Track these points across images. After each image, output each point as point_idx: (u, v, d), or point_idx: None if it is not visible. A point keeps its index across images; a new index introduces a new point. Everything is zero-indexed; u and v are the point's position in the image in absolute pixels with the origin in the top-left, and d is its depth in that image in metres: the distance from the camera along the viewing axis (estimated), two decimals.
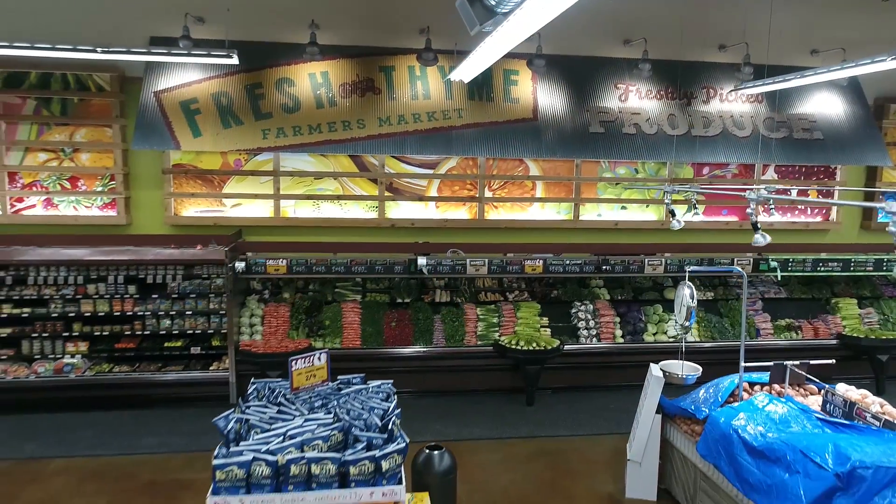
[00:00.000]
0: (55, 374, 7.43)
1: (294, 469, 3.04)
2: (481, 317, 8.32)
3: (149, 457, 6.43)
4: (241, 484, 3.03)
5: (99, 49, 5.71)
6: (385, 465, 3.12)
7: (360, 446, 3.20)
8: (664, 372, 5.49)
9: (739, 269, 5.74)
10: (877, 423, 4.29)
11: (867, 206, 6.75)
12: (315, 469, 3.06)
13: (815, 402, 5.10)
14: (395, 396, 3.91)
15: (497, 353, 7.97)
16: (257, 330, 7.91)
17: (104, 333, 7.70)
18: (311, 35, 7.58)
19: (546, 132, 8.37)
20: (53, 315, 7.57)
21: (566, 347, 8.07)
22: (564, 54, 8.41)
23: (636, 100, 8.62)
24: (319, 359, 3.84)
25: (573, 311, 8.58)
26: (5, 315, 7.45)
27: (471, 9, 4.16)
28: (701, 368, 5.47)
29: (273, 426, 3.39)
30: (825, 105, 8.97)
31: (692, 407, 5.38)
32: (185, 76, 7.69)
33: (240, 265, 7.65)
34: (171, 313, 7.74)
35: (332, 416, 3.49)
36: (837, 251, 9.04)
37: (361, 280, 8.51)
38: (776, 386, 5.30)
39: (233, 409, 3.55)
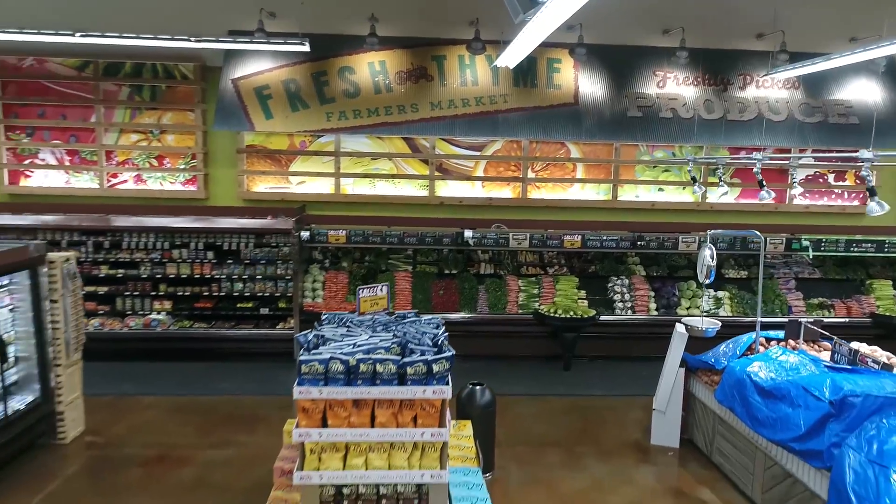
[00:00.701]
0: (144, 328, 8.45)
1: (363, 367, 3.78)
2: (522, 288, 8.96)
3: (226, 397, 7.34)
4: (321, 377, 3.79)
5: (192, 38, 6.63)
6: (436, 367, 3.82)
7: (415, 355, 3.91)
8: (686, 326, 6.03)
9: (757, 232, 6.17)
10: (876, 366, 4.75)
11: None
12: (379, 368, 3.79)
13: (827, 356, 5.55)
14: (444, 327, 4.61)
15: (536, 321, 8.60)
16: (318, 294, 8.76)
17: (185, 294, 8.69)
18: (371, 27, 8.36)
19: (586, 116, 8.93)
20: (143, 276, 8.60)
21: (602, 318, 8.63)
22: (605, 43, 8.93)
23: (673, 86, 9.09)
24: (382, 290, 4.59)
25: (609, 285, 9.14)
26: (103, 275, 8.52)
27: (518, 2, 4.85)
28: (720, 324, 6.00)
29: (343, 340, 4.14)
30: (862, 91, 9.22)
31: (712, 360, 5.91)
32: (259, 65, 8.60)
33: (305, 234, 8.51)
34: (243, 277, 8.67)
35: (391, 334, 4.22)
36: (873, 233, 9.29)
37: (412, 252, 9.26)
38: (791, 341, 5.78)
39: (310, 330, 4.32)
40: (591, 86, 8.99)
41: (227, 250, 8.72)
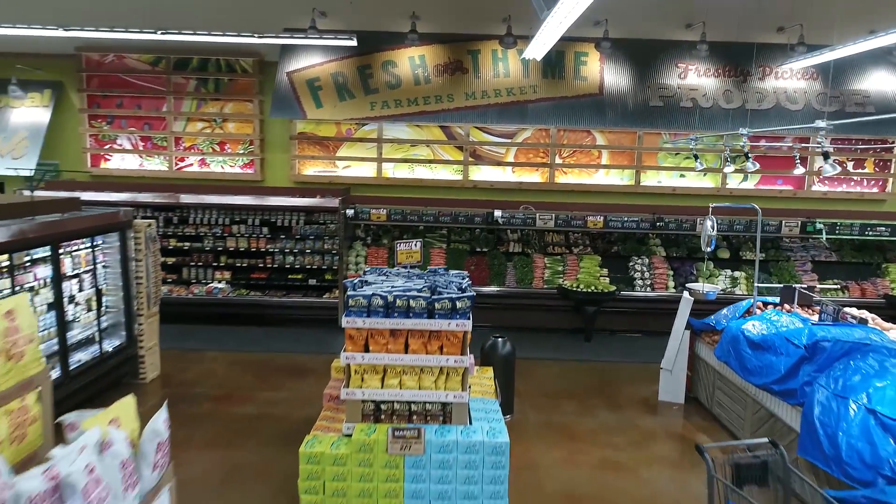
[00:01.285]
0: (206, 295, 9.47)
1: (399, 302, 4.59)
2: (548, 265, 9.66)
3: (278, 354, 8.27)
4: (364, 310, 4.61)
5: (255, 35, 7.55)
6: (459, 304, 4.61)
7: (442, 296, 4.70)
8: (690, 291, 6.66)
9: (755, 205, 6.73)
10: (854, 321, 5.32)
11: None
12: (412, 303, 4.59)
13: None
14: (469, 279, 5.38)
15: (560, 296, 9.29)
16: (361, 268, 9.64)
17: (243, 265, 9.68)
18: (412, 24, 9.18)
19: (610, 106, 9.57)
20: (206, 249, 9.63)
21: (622, 294, 9.27)
22: (630, 37, 9.55)
23: (694, 77, 9.64)
24: (416, 245, 5.39)
25: (630, 264, 9.75)
26: (171, 247, 9.58)
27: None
28: (720, 288, 6.62)
29: (383, 284, 4.96)
30: (880, 81, 9.59)
31: (713, 321, 6.54)
32: (311, 59, 9.52)
33: (349, 212, 9.40)
34: (293, 251, 9.61)
35: (423, 281, 5.02)
36: (891, 219, 9.65)
37: (446, 231, 10.05)
38: (786, 305, 6.35)
39: (356, 277, 5.15)
40: (615, 77, 9.62)
41: (280, 226, 9.68)
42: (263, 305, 9.47)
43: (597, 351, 8.84)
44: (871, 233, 9.41)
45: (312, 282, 9.64)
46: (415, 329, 4.68)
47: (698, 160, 8.76)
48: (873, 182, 10.31)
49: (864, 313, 5.92)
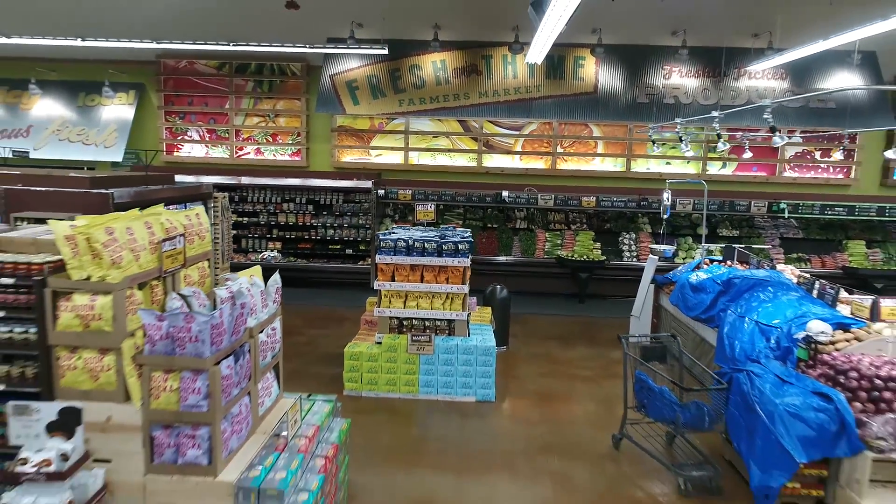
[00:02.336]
0: (261, 262, 11.37)
1: (416, 244, 6.34)
2: (548, 239, 11.31)
3: (321, 307, 10.10)
4: (391, 250, 6.38)
5: (307, 45, 9.38)
6: (460, 246, 6.34)
7: (447, 240, 6.43)
8: (653, 251, 8.26)
9: (703, 181, 8.29)
10: (768, 266, 6.89)
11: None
12: (426, 245, 6.34)
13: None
14: (470, 235, 7.09)
15: (558, 264, 10.94)
16: None
17: (291, 237, 11.55)
18: (434, 34, 10.90)
19: (604, 103, 11.16)
20: (261, 223, 11.53)
21: (612, 263, 10.87)
22: (621, 43, 11.12)
23: (677, 78, 11.18)
24: (430, 207, 7.14)
25: (620, 238, 11.34)
26: (233, 222, 11.48)
27: (535, 14, 7.26)
28: (675, 247, 8.19)
29: (406, 234, 6.71)
30: (840, 81, 10.99)
31: (671, 276, 8.13)
32: (349, 64, 11.31)
33: (380, 192, 11.19)
34: (333, 226, 11.44)
35: (436, 233, 6.77)
36: (852, 201, 11.05)
37: (463, 210, 11.77)
38: (728, 262, 7.92)
39: (387, 229, 6.92)
40: (608, 78, 11.21)
41: (322, 205, 11.52)
42: (308, 270, 11.31)
43: (587, 309, 10.47)
44: (829, 212, 10.83)
45: (349, 251, 11.46)
46: (428, 265, 6.43)
47: (683, 142, 10.22)
48: (838, 170, 11.70)
49: (789, 267, 7.46)
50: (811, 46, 8.53)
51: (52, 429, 2.95)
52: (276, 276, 4.14)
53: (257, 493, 3.15)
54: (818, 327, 4.91)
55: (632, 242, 11.20)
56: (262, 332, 3.82)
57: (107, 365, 3.13)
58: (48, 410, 2.94)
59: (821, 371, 4.70)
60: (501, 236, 11.40)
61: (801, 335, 4.98)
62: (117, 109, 11.87)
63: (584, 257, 10.72)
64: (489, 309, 7.79)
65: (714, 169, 11.69)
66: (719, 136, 9.19)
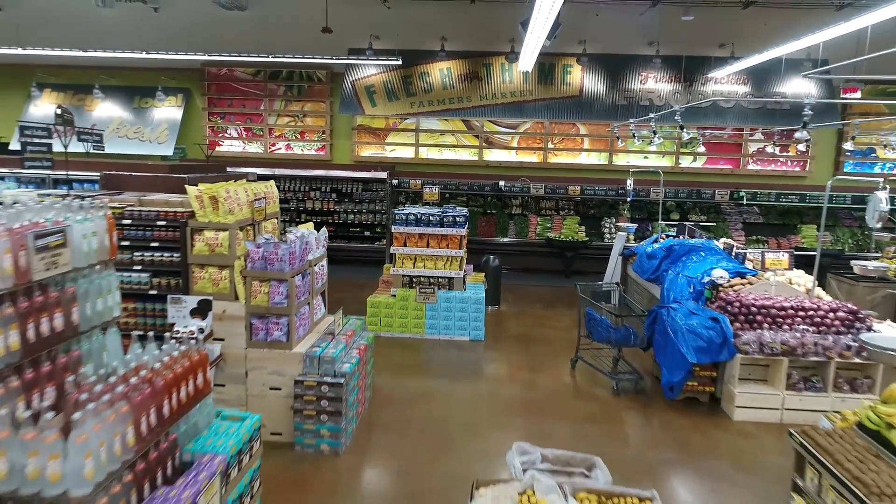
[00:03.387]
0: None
1: (423, 217, 8.12)
2: (540, 223, 13.03)
3: (345, 279, 11.89)
4: (404, 222, 8.16)
5: (335, 57, 11.18)
6: (458, 219, 8.11)
7: (448, 214, 8.20)
8: (619, 228, 9.97)
9: (659, 170, 9.99)
10: (706, 236, 8.58)
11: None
12: (431, 218, 8.12)
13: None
14: (466, 211, 8.83)
15: (548, 244, 12.66)
16: None
17: (318, 221, 13.33)
18: (441, 45, 12.65)
19: (588, 105, 12.85)
20: (291, 209, 13.35)
21: (594, 243, 12.58)
22: (603, 53, 12.81)
23: (652, 83, 12.85)
24: (435, 189, 8.91)
25: (602, 222, 13.04)
26: None
27: (523, 30, 8.99)
28: (636, 225, 9.91)
29: (415, 209, 8.48)
30: (795, 85, 12.62)
31: (634, 248, 9.83)
32: (368, 71, 13.09)
33: (394, 182, 12.97)
34: (354, 211, 13.23)
35: (439, 210, 8.54)
36: (807, 190, 12.67)
37: (466, 198, 13.51)
38: (680, 236, 9.61)
39: (402, 206, 8.69)
40: (592, 83, 12.91)
41: (344, 193, 13.32)
42: (332, 249, 12.94)
43: (571, 283, 12.18)
44: (784, 200, 12.46)
45: (367, 233, 13.25)
46: (432, 234, 8.20)
47: (657, 135, 11.86)
48: (794, 163, 13.33)
49: (729, 240, 9.14)
50: (761, 55, 10.18)
51: (193, 313, 4.75)
52: (324, 230, 5.92)
53: (318, 359, 4.93)
54: (718, 274, 6.63)
55: (612, 226, 12.89)
56: (316, 265, 5.61)
57: (224, 276, 4.93)
58: (191, 301, 4.74)
59: (717, 304, 6.42)
60: (499, 220, 13.15)
61: (706, 280, 6.70)
62: (167, 111, 13.74)
63: (570, 238, 12.43)
64: (483, 274, 9.54)
65: (686, 162, 13.36)
66: (682, 128, 10.85)
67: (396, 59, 11.46)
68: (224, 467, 3.06)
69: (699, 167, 13.46)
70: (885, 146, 13.00)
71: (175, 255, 4.99)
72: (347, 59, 12.03)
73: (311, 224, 6.00)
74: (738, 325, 6.08)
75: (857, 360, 5.84)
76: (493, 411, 5.95)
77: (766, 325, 6.03)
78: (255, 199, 5.33)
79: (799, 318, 6.04)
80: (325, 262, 5.98)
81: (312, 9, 12.13)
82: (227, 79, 13.79)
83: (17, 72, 13.82)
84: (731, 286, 6.63)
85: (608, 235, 12.88)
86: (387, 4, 12.19)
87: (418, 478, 4.68)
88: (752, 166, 13.39)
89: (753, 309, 6.10)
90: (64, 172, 8.33)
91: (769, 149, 12.83)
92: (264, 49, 11.76)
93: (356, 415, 5.35)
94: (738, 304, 6.18)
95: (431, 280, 8.27)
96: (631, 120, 12.02)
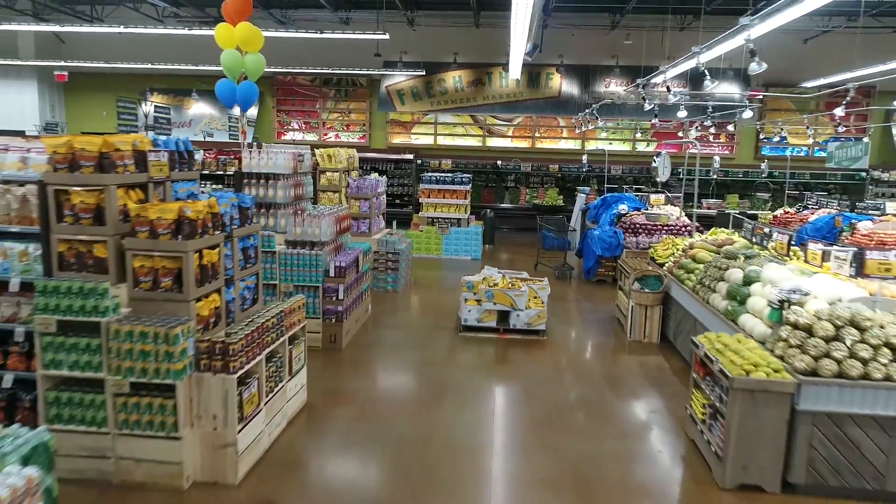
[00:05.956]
0: None
1: (440, 178, 12.37)
2: (528, 193, 17.20)
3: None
4: (428, 181, 12.42)
5: (373, 69, 15.45)
6: (463, 180, 12.36)
7: (458, 177, 12.42)
8: (578, 190, 14.13)
9: (605, 150, 14.10)
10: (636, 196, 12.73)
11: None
12: (445, 178, 12.36)
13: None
14: (469, 178, 13.03)
15: (534, 209, 16.82)
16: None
17: None
18: (454, 58, 16.84)
19: (565, 104, 16.99)
20: None
21: (569, 208, 16.72)
22: (577, 64, 16.90)
23: (614, 86, 16.94)
24: (449, 161, 13.14)
25: (575, 193, 17.18)
26: None
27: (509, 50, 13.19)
28: (590, 188, 14.07)
29: (434, 175, 12.71)
30: (723, 87, 16.65)
31: (590, 205, 13.97)
32: (398, 79, 17.32)
33: (419, 162, 17.20)
34: (388, 185, 17.47)
35: (450, 174, 12.80)
36: (733, 168, 16.70)
37: (472, 174, 17.68)
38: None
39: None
40: (568, 87, 17.03)
41: (381, 170, 17.56)
42: None
43: None
44: (714, 175, 16.50)
45: (397, 201, 17.48)
46: (447, 189, 12.43)
47: (619, 126, 16.00)
48: (726, 147, 17.37)
49: (678, 210, 13.27)
50: (684, 65, 14.28)
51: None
52: (384, 177, 10.16)
53: (385, 241, 9.16)
54: (622, 208, 10.78)
55: (584, 195, 17.01)
56: (377, 198, 9.88)
57: (336, 198, 9.19)
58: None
59: (619, 225, 10.58)
60: (497, 191, 17.34)
61: (615, 212, 10.86)
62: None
63: (551, 204, 16.59)
64: (481, 222, 13.75)
65: (641, 147, 17.45)
66: (638, 126, 14.99)
67: (420, 70, 15.67)
68: (363, 252, 7.31)
69: (651, 150, 17.53)
70: (777, 133, 16.97)
71: (310, 187, 9.25)
72: (383, 70, 16.27)
73: (375, 174, 10.23)
74: (627, 234, 10.23)
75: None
76: None
77: (642, 234, 10.17)
78: (348, 157, 9.58)
79: (665, 231, 10.18)
80: (384, 196, 10.23)
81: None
82: (290, 84, 18.09)
83: (132, 80, 18.26)
84: (631, 216, 10.77)
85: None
86: (413, 28, 16.38)
87: (436, 299, 8.92)
88: (692, 150, 17.42)
89: (637, 226, 10.25)
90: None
91: (691, 133, 16.87)
92: (322, 64, 16.04)
93: (404, 278, 9.59)
94: (629, 223, 10.34)
95: (446, 220, 12.50)
96: (584, 113, 16.13)
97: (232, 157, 7.79)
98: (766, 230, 6.35)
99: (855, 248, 5.30)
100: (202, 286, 3.98)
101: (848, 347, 3.82)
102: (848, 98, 11.80)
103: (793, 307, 4.26)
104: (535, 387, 5.88)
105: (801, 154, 17.42)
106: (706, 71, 8.66)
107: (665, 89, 12.38)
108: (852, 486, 3.89)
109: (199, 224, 3.93)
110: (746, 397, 3.88)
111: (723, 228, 8.88)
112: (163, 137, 4.67)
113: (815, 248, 5.62)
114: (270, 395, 4.41)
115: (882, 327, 3.90)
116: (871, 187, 16.81)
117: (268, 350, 4.34)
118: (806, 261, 5.64)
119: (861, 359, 3.79)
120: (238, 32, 6.57)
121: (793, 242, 6.08)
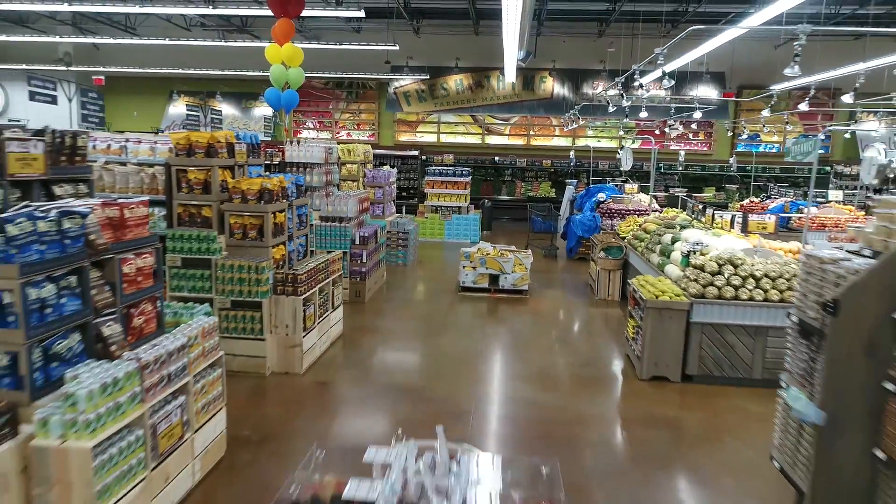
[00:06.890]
0: None
1: (443, 171, 14.06)
2: (523, 186, 18.88)
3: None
4: (432, 173, 14.11)
5: (381, 74, 17.13)
6: (464, 172, 14.04)
7: (458, 169, 14.11)
8: (567, 182, 15.81)
9: (590, 147, 15.76)
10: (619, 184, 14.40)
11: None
12: (448, 171, 14.06)
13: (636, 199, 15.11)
14: (469, 171, 14.70)
15: (528, 200, 18.49)
16: None
17: None
18: (456, 63, 18.50)
19: (557, 105, 18.64)
20: None
21: (560, 199, 18.39)
22: (568, 68, 18.56)
23: (602, 89, 18.59)
24: (451, 157, 14.82)
25: (567, 186, 18.84)
26: None
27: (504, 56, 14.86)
28: (577, 180, 15.76)
29: (437, 168, 14.40)
30: (701, 90, 18.29)
31: (577, 195, 15.65)
32: (405, 82, 18.99)
33: (423, 158, 18.88)
34: (397, 177, 19.14)
35: (452, 167, 14.49)
36: (709, 163, 18.34)
37: (472, 169, 19.37)
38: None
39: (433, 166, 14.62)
40: (560, 89, 18.69)
41: (389, 165, 19.23)
42: None
43: None
44: (691, 170, 18.15)
45: (404, 193, 19.16)
46: (448, 181, 14.11)
47: (606, 126, 17.66)
48: (704, 144, 19.01)
49: (649, 200, 14.92)
50: (654, 73, 15.95)
51: None
52: (395, 170, 11.87)
53: (396, 222, 10.85)
54: (601, 196, 12.45)
55: (574, 186, 18.67)
56: (389, 186, 11.57)
57: (356, 186, 10.88)
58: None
59: (599, 210, 12.25)
60: (495, 184, 19.01)
61: (595, 199, 12.54)
62: (265, 110, 19.77)
63: (544, 196, 18.26)
64: (479, 210, 15.43)
65: (627, 144, 19.09)
66: (627, 115, 16.64)
67: (425, 74, 17.36)
68: (380, 227, 8.99)
69: (637, 147, 19.17)
70: (746, 131, 18.63)
71: (336, 175, 10.94)
72: (391, 74, 17.96)
73: (386, 167, 11.93)
74: (605, 219, 11.90)
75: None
76: None
77: (616, 218, 11.85)
78: (364, 152, 11.27)
79: (636, 215, 11.84)
80: (395, 185, 11.92)
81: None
82: (306, 86, 19.76)
83: (161, 83, 19.97)
84: (608, 203, 12.44)
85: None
86: (418, 35, 18.05)
87: (439, 271, 10.61)
88: (673, 146, 19.09)
89: (613, 210, 11.93)
90: None
91: (669, 130, 18.54)
92: (335, 69, 17.72)
93: (412, 254, 11.27)
94: (606, 209, 12.02)
95: (448, 208, 14.18)
96: (569, 114, 17.80)
97: (276, 149, 9.43)
98: (700, 207, 8.05)
99: (741, 213, 7.03)
100: (276, 237, 5.68)
101: (725, 278, 5.50)
102: (808, 97, 13.51)
103: (696, 254, 5.94)
104: (516, 326, 7.58)
105: (774, 150, 19.06)
106: (637, 74, 10.28)
107: (639, 85, 14.03)
108: (730, 376, 5.57)
109: (274, 194, 5.62)
110: (656, 314, 5.56)
111: (673, 208, 10.54)
112: (241, 133, 6.38)
113: (723, 215, 7.35)
114: (321, 318, 6.11)
115: (753, 265, 5.57)
116: (835, 180, 18.45)
117: (320, 285, 6.04)
118: (722, 228, 7.33)
119: (734, 285, 5.47)
120: (284, 51, 8.26)
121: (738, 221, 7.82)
